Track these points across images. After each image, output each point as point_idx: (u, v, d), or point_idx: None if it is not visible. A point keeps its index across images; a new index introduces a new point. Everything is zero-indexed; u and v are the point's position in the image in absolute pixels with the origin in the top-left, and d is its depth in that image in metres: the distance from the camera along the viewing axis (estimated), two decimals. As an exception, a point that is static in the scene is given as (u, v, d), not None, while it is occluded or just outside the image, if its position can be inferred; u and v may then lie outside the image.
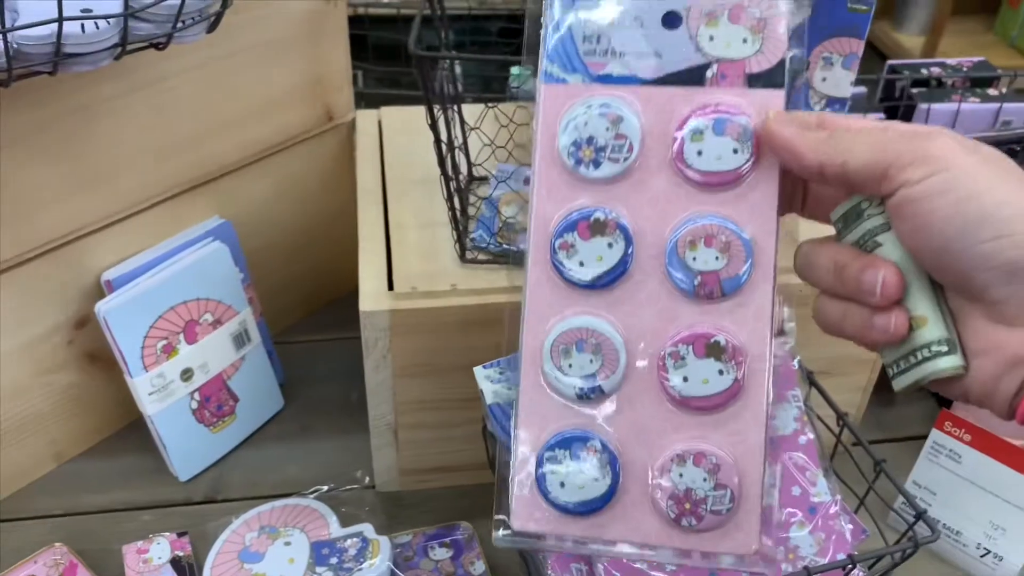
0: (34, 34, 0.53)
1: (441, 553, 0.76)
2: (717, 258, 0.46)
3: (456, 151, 0.72)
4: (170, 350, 0.79)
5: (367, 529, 0.75)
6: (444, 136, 0.68)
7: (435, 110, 0.64)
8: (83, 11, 0.55)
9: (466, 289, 0.71)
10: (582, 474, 0.48)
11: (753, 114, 0.45)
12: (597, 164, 0.47)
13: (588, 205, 0.47)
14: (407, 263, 0.74)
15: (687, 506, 0.47)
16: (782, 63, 0.46)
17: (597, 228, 0.47)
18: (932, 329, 0.42)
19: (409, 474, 0.81)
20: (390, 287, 0.72)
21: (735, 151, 0.46)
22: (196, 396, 0.82)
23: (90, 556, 0.74)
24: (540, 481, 0.48)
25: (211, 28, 0.64)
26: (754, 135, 0.45)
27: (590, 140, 0.46)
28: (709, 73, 0.46)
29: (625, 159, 0.46)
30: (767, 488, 0.49)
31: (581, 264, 0.47)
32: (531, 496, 0.49)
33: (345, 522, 0.77)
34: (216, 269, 0.81)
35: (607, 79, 0.47)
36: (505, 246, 0.73)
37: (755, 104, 0.46)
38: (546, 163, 0.47)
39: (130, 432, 0.86)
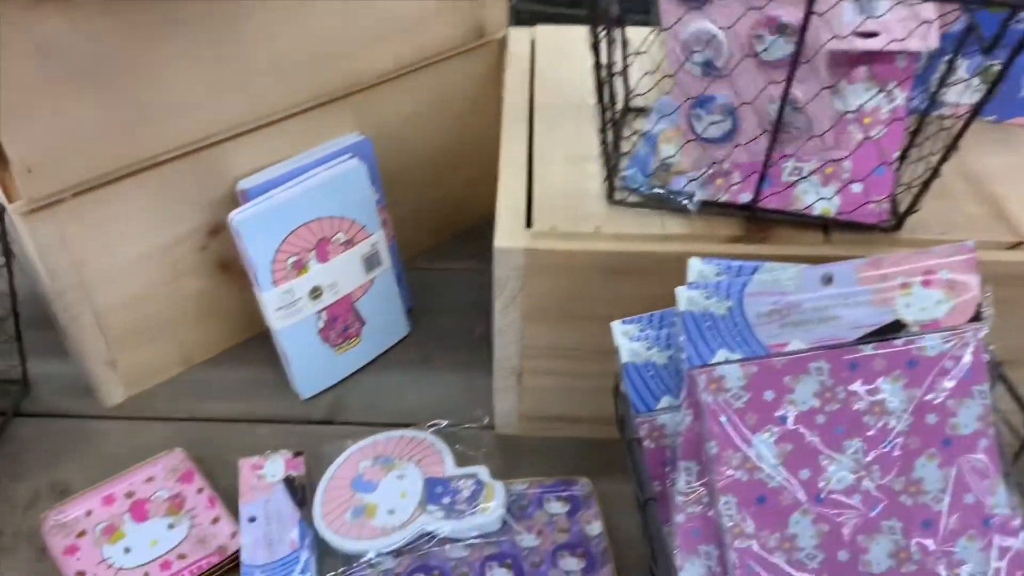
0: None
1: (557, 507, 0.72)
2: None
3: (616, 77, 0.65)
4: (300, 267, 0.77)
5: (482, 472, 0.72)
6: (605, 60, 0.61)
7: (598, 31, 0.57)
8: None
9: (611, 233, 0.65)
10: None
11: None
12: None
13: None
14: (549, 199, 0.68)
15: None
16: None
17: None
18: None
19: (530, 420, 0.77)
20: (528, 224, 0.66)
21: None
22: (323, 315, 0.80)
23: (207, 465, 0.74)
24: None
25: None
26: None
27: None
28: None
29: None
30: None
31: None
32: None
33: (460, 461, 0.74)
34: (352, 187, 0.78)
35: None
36: (660, 189, 0.66)
37: None
38: None
39: (256, 343, 0.86)
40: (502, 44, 0.88)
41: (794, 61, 0.58)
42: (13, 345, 0.79)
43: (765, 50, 0.60)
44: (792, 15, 0.59)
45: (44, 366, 0.83)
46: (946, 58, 0.63)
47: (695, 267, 0.58)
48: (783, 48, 0.60)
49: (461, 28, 0.85)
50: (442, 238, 0.99)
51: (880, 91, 0.61)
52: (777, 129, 0.61)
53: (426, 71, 0.84)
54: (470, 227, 0.99)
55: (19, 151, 0.63)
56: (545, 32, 0.89)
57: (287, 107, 0.76)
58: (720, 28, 0.60)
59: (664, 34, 0.62)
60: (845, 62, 0.60)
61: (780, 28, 0.60)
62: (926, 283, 0.56)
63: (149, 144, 0.70)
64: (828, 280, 0.56)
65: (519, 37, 0.89)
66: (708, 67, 0.62)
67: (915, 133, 0.64)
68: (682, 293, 0.57)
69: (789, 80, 0.59)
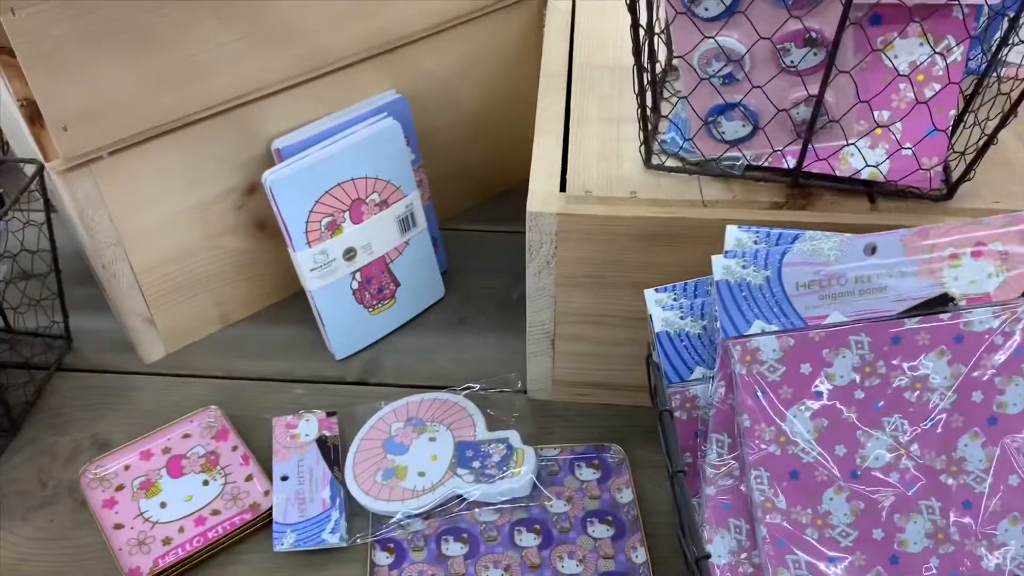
0: None
1: (588, 473, 0.71)
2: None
3: (656, 37, 0.63)
4: (335, 228, 0.76)
5: (513, 437, 0.72)
6: (644, 20, 0.58)
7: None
8: None
9: (647, 199, 0.63)
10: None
11: None
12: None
13: None
14: (584, 162, 0.67)
15: None
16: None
17: None
18: None
19: (563, 385, 0.76)
20: (563, 187, 0.65)
21: None
22: (357, 276, 0.80)
23: (241, 422, 0.75)
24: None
25: None
26: None
27: None
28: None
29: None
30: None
31: None
32: None
33: (492, 425, 0.74)
34: (387, 147, 0.77)
35: None
36: (705, 153, 0.64)
37: None
38: None
39: (294, 302, 0.86)
40: (543, 0, 0.86)
41: (826, 74, 0.56)
42: (56, 301, 0.81)
43: (792, 62, 0.58)
44: (820, 26, 0.56)
45: (86, 321, 0.84)
46: (1009, 15, 0.59)
47: (732, 235, 0.57)
48: (810, 60, 0.57)
49: (500, -17, 0.83)
50: (480, 199, 0.97)
51: (936, 46, 0.58)
52: (813, 125, 0.59)
53: (465, 27, 0.83)
54: (509, 188, 0.98)
55: (54, 110, 0.63)
56: (587, -13, 0.87)
57: (323, 65, 0.75)
58: (743, 44, 0.58)
59: (677, 45, 0.60)
60: (896, 16, 0.57)
61: (809, 41, 0.57)
62: (976, 254, 0.53)
63: (184, 103, 0.70)
64: (872, 250, 0.54)
65: (561, -7, 0.87)
66: (727, 78, 0.60)
67: (971, 96, 0.61)
68: (718, 261, 0.55)
69: (822, 91, 0.56)
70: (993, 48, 0.60)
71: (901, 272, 0.54)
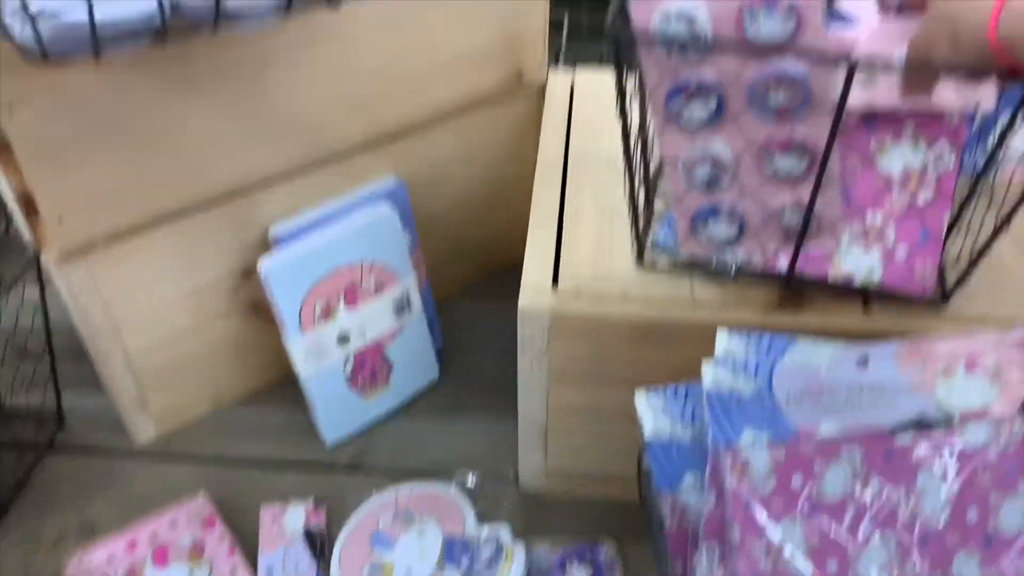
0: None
1: (580, 572, 0.69)
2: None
3: (650, 135, 0.63)
4: (329, 313, 0.76)
5: (504, 532, 0.71)
6: (635, 120, 0.59)
7: (627, 97, 0.55)
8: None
9: (639, 297, 0.63)
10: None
11: None
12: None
13: None
14: (577, 256, 0.66)
15: None
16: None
17: None
18: None
19: (556, 477, 0.75)
20: (555, 280, 0.64)
21: None
22: (351, 361, 0.79)
23: (229, 511, 0.74)
24: None
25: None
26: None
27: None
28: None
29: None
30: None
31: None
32: None
33: (483, 517, 0.72)
34: (383, 234, 0.77)
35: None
36: (692, 253, 0.64)
37: None
38: None
39: (287, 384, 0.85)
40: (542, 89, 0.87)
41: (816, 184, 0.56)
42: (49, 381, 0.80)
43: (778, 169, 0.58)
44: (806, 136, 0.56)
45: (80, 398, 0.84)
46: (1003, 120, 0.59)
47: (723, 341, 0.56)
48: (798, 167, 0.57)
49: (500, 72, 0.83)
50: (479, 277, 0.97)
51: (929, 150, 0.58)
52: (804, 231, 0.59)
53: (464, 116, 0.83)
54: (507, 266, 0.98)
55: (50, 201, 0.64)
56: (585, 77, 0.88)
57: (321, 153, 0.76)
58: (729, 149, 0.58)
59: (664, 150, 0.60)
60: (890, 120, 0.57)
61: (796, 149, 0.57)
62: (970, 368, 0.52)
63: (180, 193, 0.70)
64: (864, 362, 0.53)
65: (559, 81, 0.87)
66: (711, 183, 0.60)
67: (966, 200, 0.61)
68: (708, 371, 0.54)
69: (812, 202, 0.56)
70: (989, 151, 0.59)
71: (895, 385, 0.53)
